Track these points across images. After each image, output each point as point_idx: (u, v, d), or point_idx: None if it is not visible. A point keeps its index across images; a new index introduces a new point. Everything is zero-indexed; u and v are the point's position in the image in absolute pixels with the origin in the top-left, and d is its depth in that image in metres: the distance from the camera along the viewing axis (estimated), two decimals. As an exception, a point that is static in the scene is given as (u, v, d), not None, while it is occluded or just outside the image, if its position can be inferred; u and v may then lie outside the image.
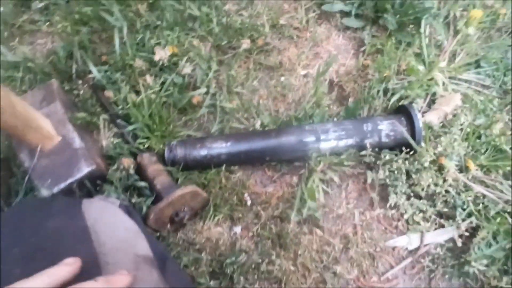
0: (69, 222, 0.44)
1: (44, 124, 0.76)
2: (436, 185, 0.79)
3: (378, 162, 0.84)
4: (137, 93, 0.94)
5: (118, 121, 0.91)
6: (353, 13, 1.00)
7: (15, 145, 0.82)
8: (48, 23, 1.10)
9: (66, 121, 0.84)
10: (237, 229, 0.83)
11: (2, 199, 0.84)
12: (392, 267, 0.79)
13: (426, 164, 0.78)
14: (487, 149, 0.83)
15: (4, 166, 0.87)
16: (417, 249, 0.79)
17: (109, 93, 0.92)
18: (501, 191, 0.78)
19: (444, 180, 0.79)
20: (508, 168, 0.82)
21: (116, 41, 0.95)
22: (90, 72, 0.99)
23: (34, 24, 1.11)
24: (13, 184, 0.84)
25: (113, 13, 1.01)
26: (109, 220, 0.47)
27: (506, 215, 0.75)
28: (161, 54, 0.91)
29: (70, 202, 0.51)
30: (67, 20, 1.06)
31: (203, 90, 0.91)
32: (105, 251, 0.40)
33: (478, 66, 0.96)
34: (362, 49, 0.99)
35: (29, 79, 1.00)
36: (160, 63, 0.94)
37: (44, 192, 0.76)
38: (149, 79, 0.91)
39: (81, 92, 0.96)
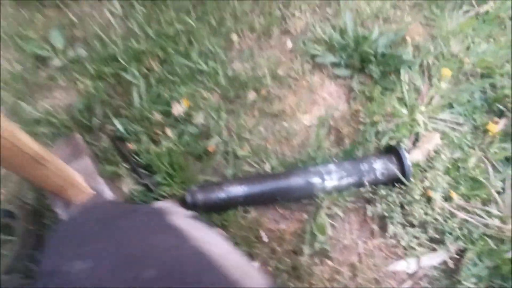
0: (178, 242, 0.46)
1: (80, 180, 0.84)
2: (426, 214, 0.91)
3: (375, 196, 0.96)
4: (155, 142, 1.04)
5: (140, 170, 1.00)
6: (342, 63, 1.15)
7: (49, 199, 0.90)
8: (66, 79, 1.20)
9: (96, 174, 0.92)
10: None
11: (26, 251, 0.90)
12: (395, 290, 0.89)
13: (417, 197, 0.91)
14: (465, 180, 0.97)
15: (35, 219, 0.94)
16: (415, 272, 0.90)
17: (131, 145, 1.01)
18: (481, 216, 0.92)
19: (433, 209, 0.92)
20: (485, 195, 0.96)
21: (135, 97, 1.06)
22: (109, 124, 1.08)
23: (52, 80, 1.20)
24: (48, 231, 0.90)
25: (130, 71, 1.11)
26: (211, 239, 0.51)
27: (486, 238, 0.88)
28: (178, 109, 1.02)
29: (155, 212, 0.56)
30: (85, 77, 1.15)
31: (217, 139, 1.02)
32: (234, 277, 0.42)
33: (451, 106, 1.11)
34: (353, 95, 1.13)
35: (51, 133, 1.08)
36: (175, 113, 1.04)
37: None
38: (168, 131, 1.01)
39: (102, 143, 1.05)
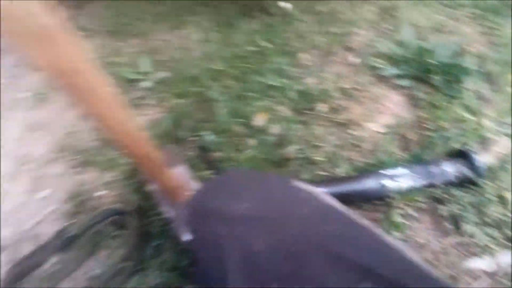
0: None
1: (185, 182, 0.99)
2: (501, 214, 0.95)
3: (447, 197, 1.01)
4: (236, 151, 1.17)
5: (226, 175, 1.13)
6: (404, 74, 1.23)
7: (154, 199, 1.05)
8: (155, 98, 1.38)
9: (191, 178, 1.07)
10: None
11: (141, 241, 1.05)
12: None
13: (491, 197, 0.96)
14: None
15: (141, 216, 1.10)
16: (495, 270, 0.94)
17: (218, 154, 1.15)
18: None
19: (508, 210, 0.96)
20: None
21: (217, 112, 1.21)
22: (194, 136, 1.23)
23: (143, 99, 1.39)
24: (152, 228, 1.05)
25: (212, 89, 1.27)
26: None
27: None
28: (257, 121, 1.15)
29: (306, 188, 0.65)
30: (171, 95, 1.33)
31: (293, 147, 1.13)
32: None
33: (517, 110, 1.15)
34: (416, 103, 1.20)
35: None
36: (255, 125, 1.17)
37: (185, 237, 0.97)
38: (250, 141, 1.14)
39: (188, 153, 1.21)
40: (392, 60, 1.26)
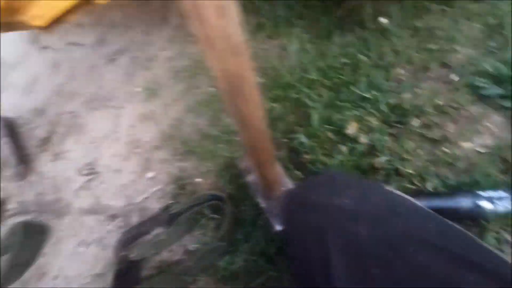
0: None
1: (282, 178, 1.10)
2: None
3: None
4: (326, 155, 1.24)
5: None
6: (509, 95, 1.18)
7: (251, 190, 1.17)
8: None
9: (284, 175, 1.17)
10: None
11: (234, 226, 1.17)
12: None
13: None
14: None
15: (235, 202, 1.23)
16: None
17: (308, 156, 1.24)
18: None
19: None
20: None
21: (314, 118, 1.29)
22: (286, 138, 1.33)
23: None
24: (245, 216, 1.18)
25: (308, 96, 1.36)
26: None
27: None
28: (350, 129, 1.21)
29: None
30: (267, 99, 1.45)
31: (381, 158, 1.17)
32: None
33: None
34: (520, 126, 1.15)
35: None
36: (346, 133, 1.23)
37: (277, 227, 1.06)
38: (341, 147, 1.21)
39: (280, 154, 1.31)
40: (496, 79, 1.22)
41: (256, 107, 0.65)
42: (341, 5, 1.60)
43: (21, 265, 1.44)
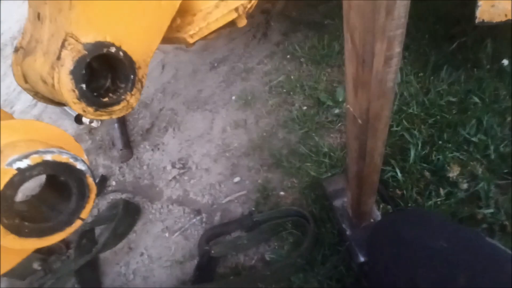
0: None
1: (371, 210, 1.09)
2: None
3: None
4: (419, 195, 1.20)
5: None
6: None
7: (337, 215, 1.19)
8: (342, 125, 1.55)
9: (374, 207, 1.16)
10: None
11: (312, 246, 1.19)
12: None
13: None
14: None
15: (317, 222, 1.25)
16: None
17: (399, 191, 1.21)
18: None
19: None
20: None
21: (411, 153, 1.26)
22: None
23: (331, 123, 1.57)
24: (325, 238, 1.19)
25: (404, 129, 1.34)
26: None
27: None
28: (454, 173, 1.15)
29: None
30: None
31: (488, 210, 1.09)
32: None
33: None
34: None
35: (330, 164, 1.41)
36: (445, 175, 1.18)
37: (360, 258, 1.06)
38: (436, 189, 1.16)
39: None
40: None
41: (382, 143, 0.68)
42: (454, 40, 1.53)
43: (117, 236, 1.65)
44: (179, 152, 1.92)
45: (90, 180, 0.62)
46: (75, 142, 0.72)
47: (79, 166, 0.59)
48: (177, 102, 2.26)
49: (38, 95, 0.86)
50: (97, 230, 1.76)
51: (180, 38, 1.01)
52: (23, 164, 0.51)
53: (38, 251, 1.77)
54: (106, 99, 0.81)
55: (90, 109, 0.75)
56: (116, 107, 0.83)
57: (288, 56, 2.05)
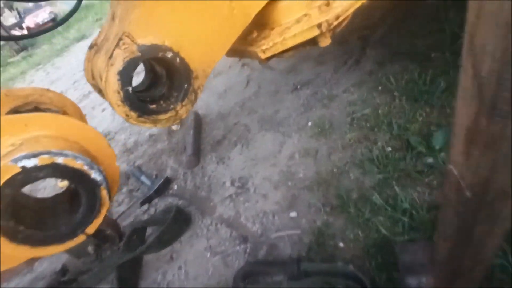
0: None
1: None
2: None
3: None
4: None
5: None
6: None
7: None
8: (434, 178, 1.25)
9: None
10: None
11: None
12: None
13: None
14: None
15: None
16: None
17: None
18: None
19: None
20: None
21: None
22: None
23: (420, 174, 1.28)
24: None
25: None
26: None
27: None
28: None
29: None
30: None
31: None
32: None
33: None
34: None
35: (408, 225, 1.13)
36: None
37: None
38: None
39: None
40: None
41: (501, 232, 0.44)
42: None
43: (162, 242, 1.62)
44: (242, 170, 1.83)
45: (103, 193, 0.54)
46: (109, 147, 0.67)
47: (94, 175, 0.52)
48: (252, 119, 2.20)
49: (101, 93, 0.86)
50: (149, 230, 1.77)
51: (252, 52, 0.91)
52: (30, 163, 0.46)
53: (95, 235, 1.86)
54: (153, 106, 0.75)
55: (133, 114, 0.70)
56: (162, 116, 0.77)
57: (380, 88, 1.80)
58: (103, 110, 3.42)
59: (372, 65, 2.03)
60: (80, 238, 0.57)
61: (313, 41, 0.88)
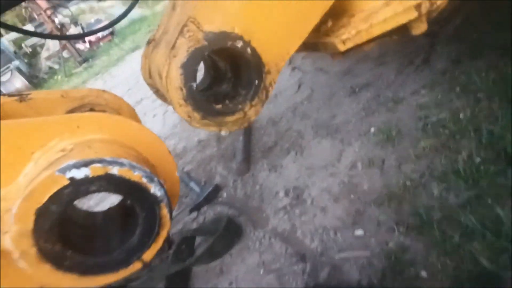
0: None
1: None
2: None
3: None
4: None
5: None
6: None
7: None
8: None
9: None
10: None
11: None
12: None
13: None
14: None
15: None
16: None
17: None
18: None
19: None
20: None
21: None
22: None
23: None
24: None
25: None
26: None
27: None
28: None
29: None
30: None
31: None
32: None
33: None
34: None
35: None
36: None
37: None
38: None
39: None
40: None
41: None
42: None
43: (212, 254, 1.53)
44: (296, 179, 1.69)
45: (164, 212, 0.43)
46: (169, 154, 0.57)
47: (154, 190, 0.42)
48: (306, 124, 2.05)
49: (158, 93, 0.78)
50: (197, 240, 1.69)
51: (328, 44, 0.77)
52: (80, 173, 0.36)
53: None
54: (219, 106, 0.64)
55: (196, 115, 0.60)
56: (229, 118, 0.66)
57: (458, 89, 1.56)
58: (154, 115, 3.49)
59: (445, 63, 1.78)
60: (136, 266, 0.47)
61: (403, 28, 0.72)
